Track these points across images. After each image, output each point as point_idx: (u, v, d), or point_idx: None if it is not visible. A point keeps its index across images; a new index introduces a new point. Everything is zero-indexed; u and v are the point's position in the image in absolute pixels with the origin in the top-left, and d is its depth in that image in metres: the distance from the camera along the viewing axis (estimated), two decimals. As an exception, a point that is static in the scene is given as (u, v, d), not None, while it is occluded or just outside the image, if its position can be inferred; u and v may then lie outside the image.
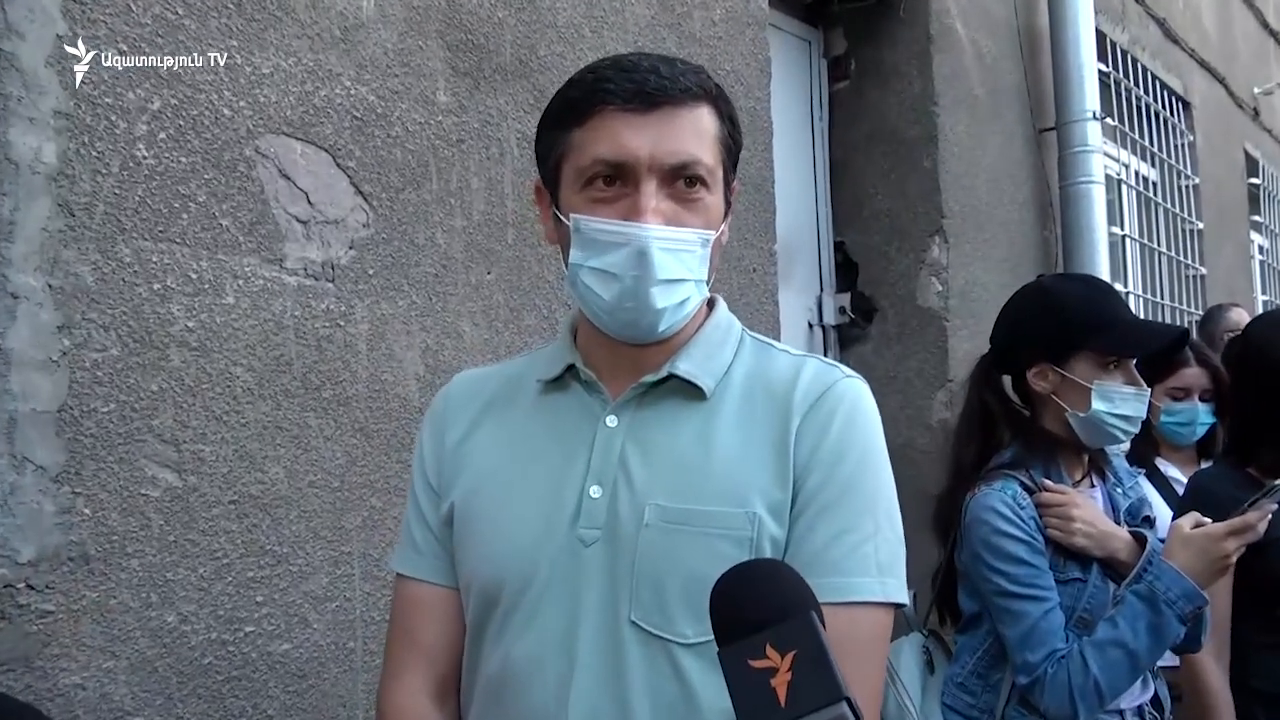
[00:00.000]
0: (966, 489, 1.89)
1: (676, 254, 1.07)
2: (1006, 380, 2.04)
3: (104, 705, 1.54)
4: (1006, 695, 1.80)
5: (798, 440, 1.09)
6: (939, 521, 1.98)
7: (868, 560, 1.06)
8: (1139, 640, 1.67)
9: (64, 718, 1.49)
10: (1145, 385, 1.88)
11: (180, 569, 1.64)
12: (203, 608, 1.66)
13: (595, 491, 1.10)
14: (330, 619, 1.83)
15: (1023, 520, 1.78)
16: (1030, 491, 1.83)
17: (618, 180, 1.07)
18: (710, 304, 1.21)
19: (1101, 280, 1.98)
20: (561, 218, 1.12)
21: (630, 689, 1.05)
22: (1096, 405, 1.83)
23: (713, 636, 0.77)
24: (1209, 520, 1.78)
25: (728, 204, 1.15)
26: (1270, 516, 1.77)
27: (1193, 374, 2.70)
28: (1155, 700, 1.87)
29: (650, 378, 1.14)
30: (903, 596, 1.08)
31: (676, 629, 1.05)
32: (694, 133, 1.08)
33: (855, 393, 1.13)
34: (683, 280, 1.09)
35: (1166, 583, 1.69)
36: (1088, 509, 1.81)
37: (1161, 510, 2.44)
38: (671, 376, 1.13)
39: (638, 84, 1.06)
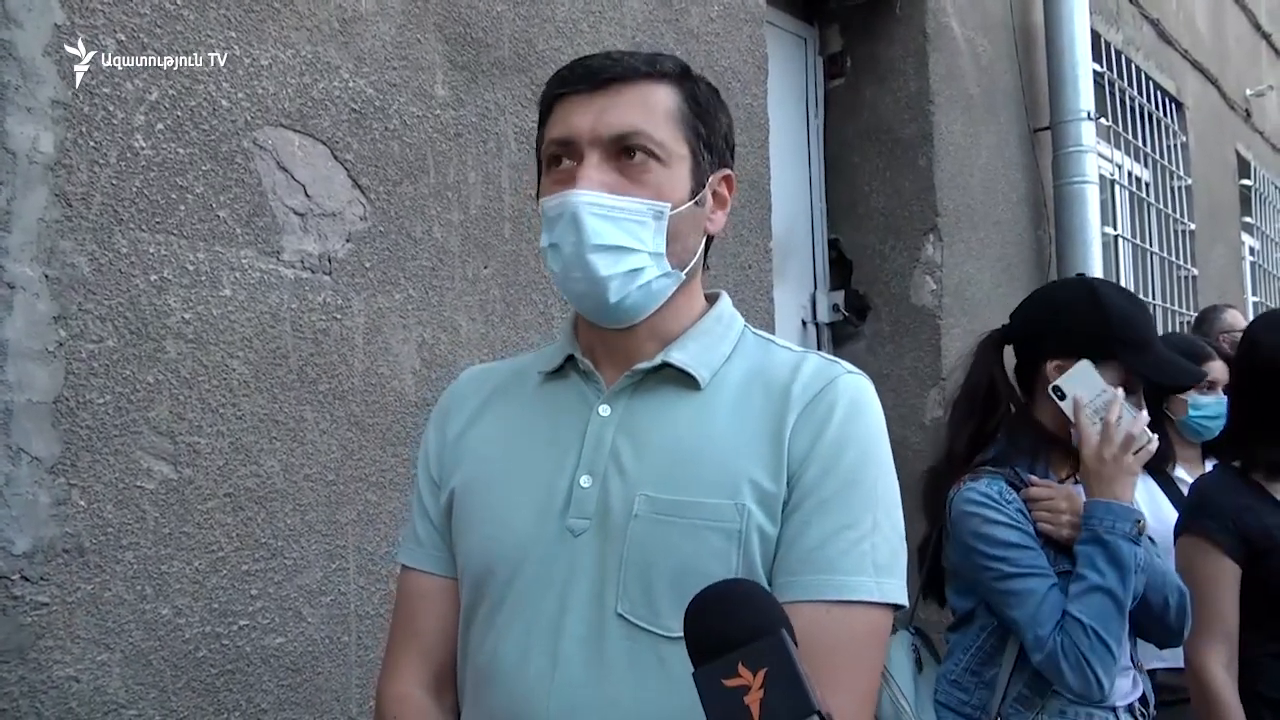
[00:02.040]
0: (956, 475, 1.89)
1: (615, 221, 1.08)
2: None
3: (98, 698, 1.53)
4: (1003, 692, 1.80)
5: (794, 434, 1.07)
6: (926, 498, 1.97)
7: (864, 559, 1.04)
8: (1107, 577, 1.70)
9: (58, 710, 1.49)
10: (1148, 413, 1.88)
11: (175, 562, 1.63)
12: (197, 601, 1.66)
13: (585, 481, 1.10)
14: (325, 613, 1.83)
15: (1009, 510, 1.79)
16: (1016, 488, 1.84)
17: (570, 159, 1.10)
18: (714, 299, 1.22)
19: (1140, 299, 1.95)
20: None
21: (613, 683, 1.04)
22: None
23: None
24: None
25: (701, 185, 1.14)
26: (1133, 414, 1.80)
27: (1219, 367, 2.69)
28: (1143, 699, 1.88)
29: (644, 365, 1.13)
30: (901, 597, 1.06)
31: (662, 622, 1.04)
32: (640, 106, 1.10)
33: (857, 388, 1.11)
34: (629, 250, 1.08)
35: (1099, 515, 1.74)
36: (1075, 502, 1.82)
37: (1168, 514, 2.43)
38: (665, 365, 1.13)
39: (587, 68, 1.11)
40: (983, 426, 1.94)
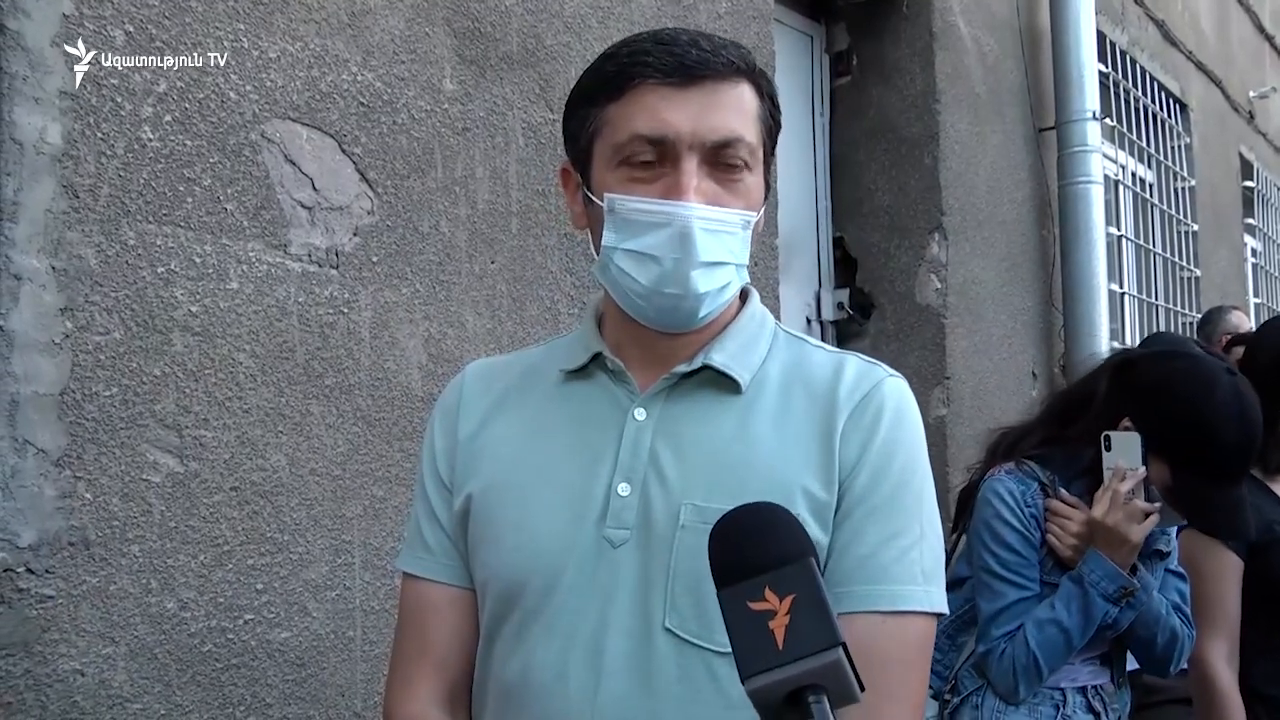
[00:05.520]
0: (1008, 458, 1.94)
1: (718, 235, 1.02)
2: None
3: (103, 691, 1.53)
4: (965, 657, 1.91)
5: (844, 439, 1.04)
6: (987, 451, 2.03)
7: (914, 567, 1.02)
8: (1072, 619, 1.78)
9: (63, 704, 1.48)
10: (1182, 520, 1.90)
11: (180, 555, 1.63)
12: (203, 595, 1.65)
13: (623, 489, 1.04)
14: (330, 608, 1.82)
15: (1024, 515, 1.87)
16: (1046, 494, 1.89)
17: (656, 158, 1.02)
18: (744, 295, 1.16)
19: (1254, 431, 1.79)
20: (594, 199, 1.06)
21: (662, 700, 1.00)
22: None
23: None
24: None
25: (767, 186, 1.10)
26: (1142, 473, 1.79)
27: None
28: (1103, 689, 1.92)
29: (683, 368, 1.08)
30: (944, 606, 1.04)
31: (716, 638, 0.99)
32: (736, 109, 1.03)
33: (900, 392, 1.08)
34: (724, 264, 1.04)
35: (1091, 566, 1.80)
36: (1088, 529, 1.84)
37: None
38: (705, 368, 1.08)
39: (677, 57, 1.01)
40: (1062, 430, 1.95)
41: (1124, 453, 1.82)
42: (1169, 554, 1.97)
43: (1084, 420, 1.91)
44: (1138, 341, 3.98)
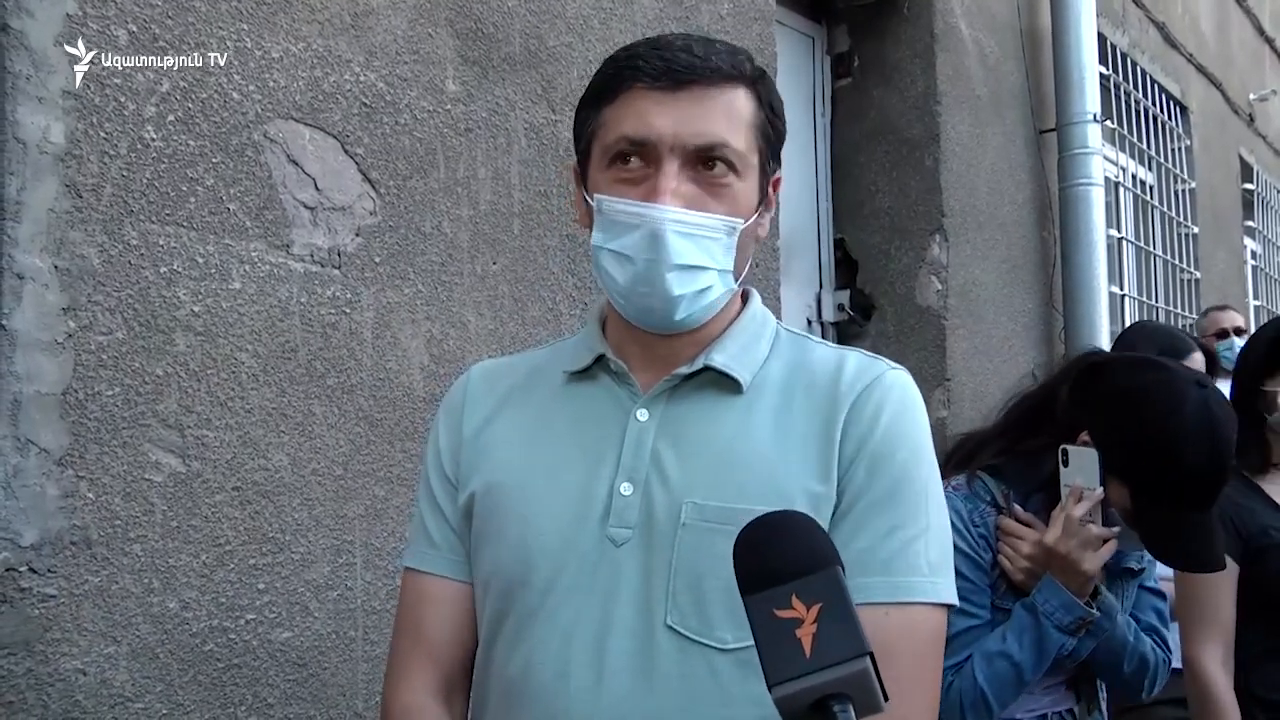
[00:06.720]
0: (961, 469, 1.79)
1: (695, 239, 1.03)
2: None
3: (104, 690, 1.53)
4: None
5: (844, 431, 1.05)
6: (945, 460, 1.82)
7: (918, 558, 1.02)
8: (1024, 652, 1.63)
9: (64, 703, 1.48)
10: (1142, 547, 1.72)
11: (182, 555, 1.63)
12: (204, 594, 1.65)
13: (626, 489, 1.06)
14: (331, 608, 1.82)
15: (972, 536, 1.72)
16: (998, 510, 1.75)
17: (641, 160, 1.04)
18: (745, 296, 1.17)
19: (1224, 460, 1.59)
20: (588, 198, 1.09)
21: (663, 696, 1.01)
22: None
23: (753, 642, 0.76)
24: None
25: (764, 194, 1.11)
26: (1098, 495, 1.62)
27: (1198, 359, 2.77)
28: (1070, 715, 1.80)
29: (684, 369, 1.09)
30: (953, 596, 1.04)
31: (716, 634, 1.01)
32: (724, 114, 1.04)
33: (903, 385, 1.09)
34: (703, 268, 1.05)
35: (1046, 595, 1.64)
36: (1041, 551, 1.68)
37: None
38: (706, 369, 1.09)
39: (667, 62, 1.03)
40: (1023, 439, 1.78)
41: (1081, 470, 1.63)
42: (1141, 571, 1.82)
43: (1046, 427, 1.73)
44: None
